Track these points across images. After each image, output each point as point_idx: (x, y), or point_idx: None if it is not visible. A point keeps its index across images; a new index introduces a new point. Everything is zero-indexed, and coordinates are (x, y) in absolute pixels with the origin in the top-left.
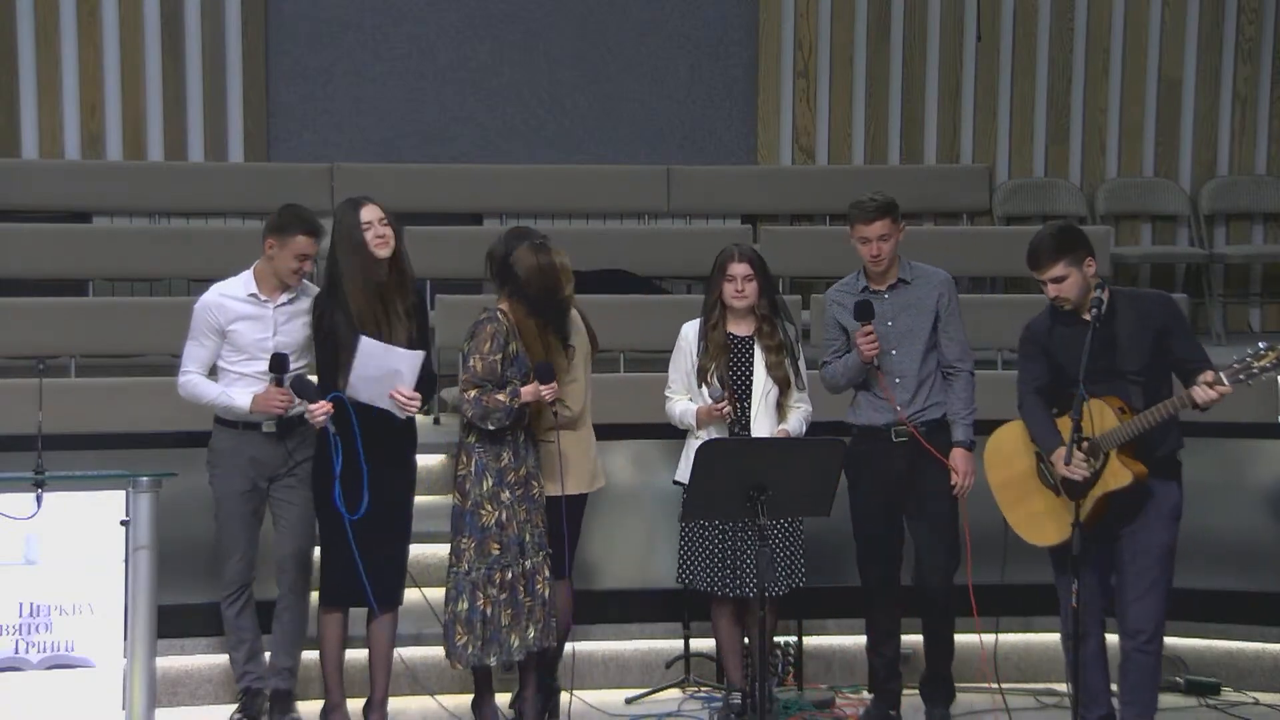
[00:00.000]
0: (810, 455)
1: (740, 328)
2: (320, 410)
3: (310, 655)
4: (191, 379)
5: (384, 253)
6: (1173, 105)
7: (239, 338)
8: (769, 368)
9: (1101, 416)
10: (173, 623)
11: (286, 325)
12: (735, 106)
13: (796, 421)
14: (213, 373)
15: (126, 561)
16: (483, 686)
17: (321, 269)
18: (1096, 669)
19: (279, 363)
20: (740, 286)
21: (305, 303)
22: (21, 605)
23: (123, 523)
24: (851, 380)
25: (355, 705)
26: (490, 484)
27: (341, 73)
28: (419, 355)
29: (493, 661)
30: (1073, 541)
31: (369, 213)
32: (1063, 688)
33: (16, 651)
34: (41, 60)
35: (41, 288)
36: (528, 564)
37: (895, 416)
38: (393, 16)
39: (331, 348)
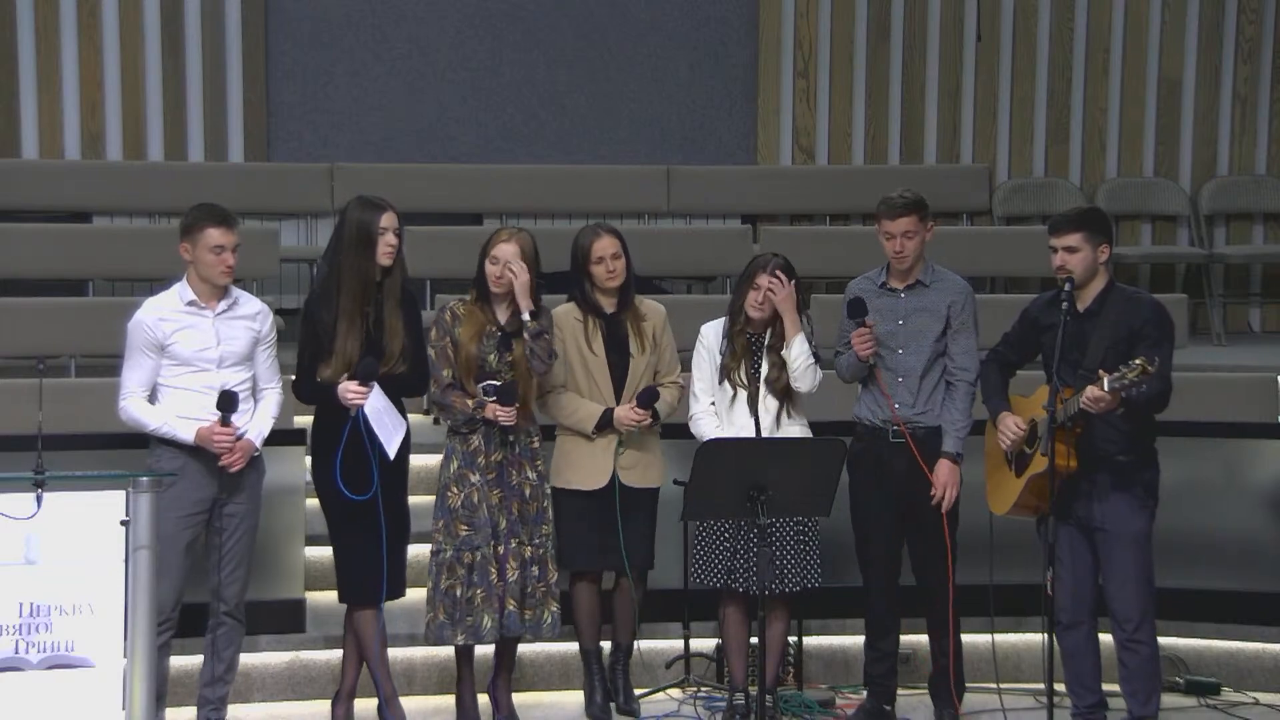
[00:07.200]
0: (810, 455)
1: (763, 328)
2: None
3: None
4: (131, 405)
5: (387, 263)
6: (1173, 105)
7: (180, 350)
8: (768, 382)
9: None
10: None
11: (228, 333)
12: (735, 106)
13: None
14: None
15: (126, 561)
16: (463, 672)
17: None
18: (1086, 657)
19: (228, 401)
20: (763, 299)
21: (244, 309)
22: (21, 605)
23: (123, 523)
24: (855, 374)
25: (366, 706)
26: (456, 466)
27: (341, 73)
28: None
29: (460, 641)
30: (1048, 529)
31: (388, 220)
32: (1061, 687)
33: (16, 651)
34: (41, 60)
35: (41, 288)
36: (502, 549)
37: (891, 416)
38: (393, 16)
39: (317, 338)
